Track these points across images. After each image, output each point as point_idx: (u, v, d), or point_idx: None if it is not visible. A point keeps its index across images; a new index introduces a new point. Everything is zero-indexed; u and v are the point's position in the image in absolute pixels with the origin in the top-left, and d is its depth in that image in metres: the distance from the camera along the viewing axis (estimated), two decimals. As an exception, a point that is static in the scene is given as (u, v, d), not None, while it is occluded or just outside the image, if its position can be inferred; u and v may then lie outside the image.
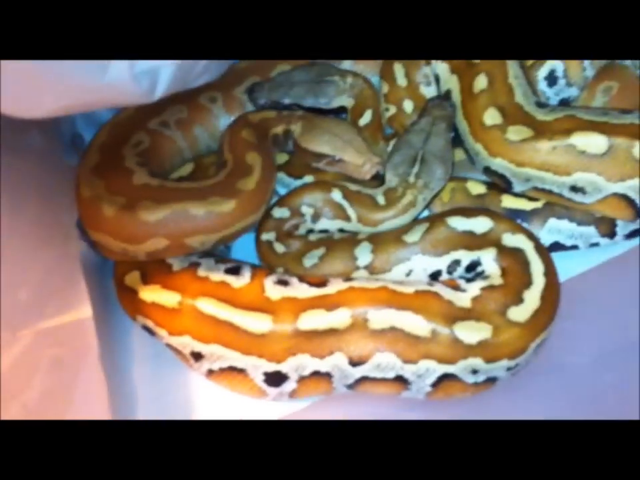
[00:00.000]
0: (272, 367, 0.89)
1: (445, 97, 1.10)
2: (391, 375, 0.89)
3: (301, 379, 0.90)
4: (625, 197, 0.96)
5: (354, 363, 0.89)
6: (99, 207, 0.93)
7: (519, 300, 0.91)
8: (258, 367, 0.89)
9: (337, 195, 1.03)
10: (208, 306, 0.91)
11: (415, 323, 0.88)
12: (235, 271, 0.95)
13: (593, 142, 0.94)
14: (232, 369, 0.91)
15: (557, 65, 1.08)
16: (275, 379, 0.90)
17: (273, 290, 0.92)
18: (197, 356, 0.92)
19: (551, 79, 1.10)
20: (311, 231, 1.05)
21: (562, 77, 1.09)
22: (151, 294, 0.94)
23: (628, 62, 1.10)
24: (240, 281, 0.93)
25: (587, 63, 1.09)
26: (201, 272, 0.95)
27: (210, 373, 0.93)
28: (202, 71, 0.97)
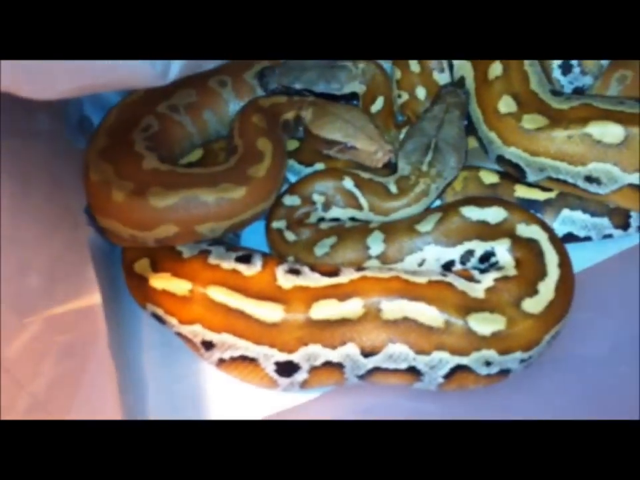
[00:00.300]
0: (283, 357, 0.88)
1: (459, 84, 1.08)
2: (404, 365, 0.88)
3: (313, 369, 0.89)
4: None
5: (366, 354, 0.88)
6: (107, 192, 0.91)
7: (533, 291, 0.90)
8: (269, 357, 0.89)
9: (348, 183, 1.01)
10: (219, 294, 0.90)
11: (429, 314, 0.87)
12: (246, 259, 0.94)
13: (610, 131, 0.93)
14: (243, 359, 0.90)
15: (573, 52, 1.07)
16: (287, 368, 0.89)
17: (284, 279, 0.91)
18: (208, 345, 0.91)
19: (566, 67, 1.08)
20: (322, 220, 1.03)
21: (577, 65, 1.08)
22: (161, 281, 0.93)
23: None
24: (251, 270, 0.92)
25: (602, 50, 1.07)
26: (212, 260, 0.94)
27: (221, 362, 0.92)
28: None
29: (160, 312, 0.93)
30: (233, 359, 0.91)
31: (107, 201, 0.91)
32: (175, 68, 0.83)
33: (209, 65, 0.97)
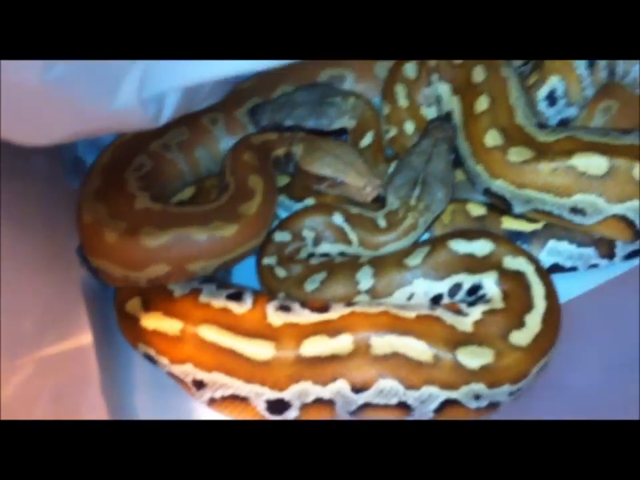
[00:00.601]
0: (274, 395, 0.89)
1: (446, 118, 1.10)
2: (394, 401, 0.89)
3: (304, 406, 0.90)
4: (624, 218, 0.96)
5: (357, 390, 0.89)
6: (100, 232, 0.92)
7: (520, 324, 0.91)
8: (260, 395, 0.89)
9: (338, 218, 1.03)
10: (210, 333, 0.90)
11: (418, 348, 0.88)
12: (236, 296, 0.95)
13: (594, 163, 0.94)
14: (234, 397, 0.91)
15: (557, 84, 1.08)
16: (278, 406, 0.90)
17: (274, 316, 0.92)
18: (199, 384, 0.92)
19: (551, 99, 1.09)
20: (312, 255, 1.05)
21: (562, 96, 1.09)
22: (152, 321, 0.93)
23: (629, 80, 1.11)
24: (242, 307, 0.93)
25: (586, 82, 1.08)
26: (203, 298, 0.94)
27: (212, 401, 0.93)
28: (207, 94, 0.97)
29: (151, 352, 0.94)
30: (224, 398, 0.91)
31: (99, 242, 0.92)
32: (168, 110, 0.85)
33: (202, 104, 0.98)
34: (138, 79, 0.76)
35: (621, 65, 1.09)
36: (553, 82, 1.08)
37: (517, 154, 0.98)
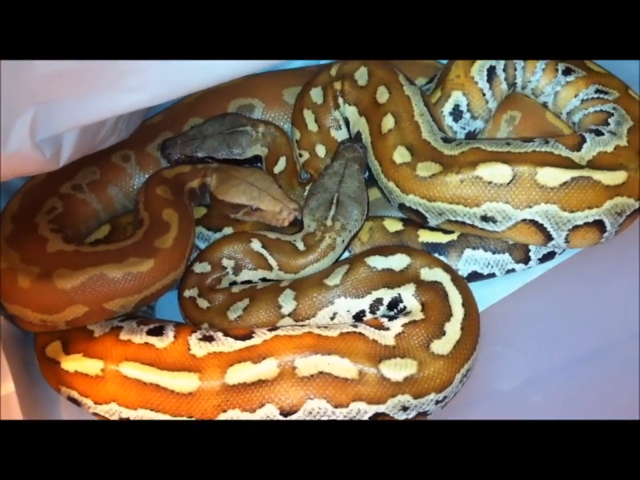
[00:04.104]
0: None
1: (356, 139, 1.12)
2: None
3: (233, 435, 0.90)
4: (534, 222, 1.00)
5: (285, 413, 0.89)
6: (14, 278, 0.91)
7: (440, 333, 0.93)
8: None
9: (256, 245, 1.03)
10: (132, 370, 0.90)
11: (342, 366, 0.89)
12: (157, 331, 0.94)
13: (498, 172, 0.98)
14: (162, 432, 0.90)
15: (460, 99, 1.12)
16: (207, 437, 0.89)
17: (197, 347, 0.91)
18: None
19: (456, 114, 1.13)
20: (233, 283, 1.05)
21: (466, 110, 1.13)
22: (72, 363, 0.92)
23: (528, 91, 1.15)
24: (164, 341, 0.92)
25: (488, 95, 1.12)
26: (123, 336, 0.93)
27: (139, 438, 0.92)
28: (110, 132, 0.98)
29: (74, 394, 0.93)
30: (151, 434, 0.90)
31: (13, 288, 0.91)
32: (67, 150, 0.85)
33: (106, 142, 0.98)
34: (29, 122, 0.76)
35: (520, 77, 1.13)
36: (456, 97, 1.12)
37: (425, 169, 1.01)
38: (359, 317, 0.98)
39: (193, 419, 0.88)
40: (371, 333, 0.93)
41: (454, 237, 1.08)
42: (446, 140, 1.05)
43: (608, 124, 1.04)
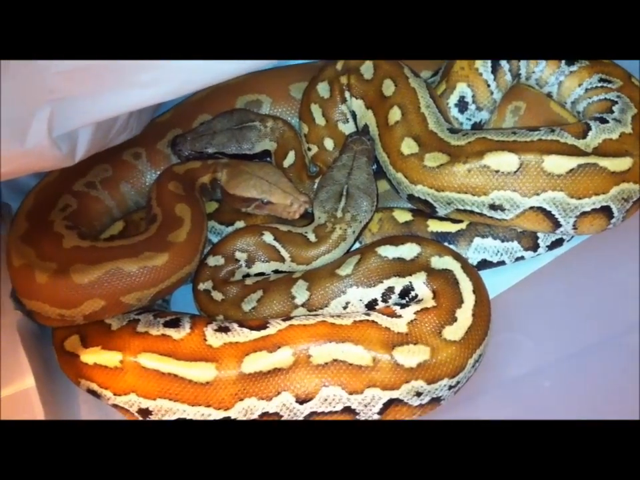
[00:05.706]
0: (220, 415, 0.90)
1: (363, 131, 1.14)
2: (339, 407, 0.91)
3: (251, 423, 0.91)
4: (541, 210, 1.01)
5: (301, 400, 0.91)
6: (31, 275, 0.92)
7: (452, 319, 0.94)
8: (207, 416, 0.90)
9: (268, 237, 1.05)
10: (150, 361, 0.91)
11: (356, 353, 0.90)
12: (174, 323, 0.96)
13: (504, 160, 0.99)
14: (180, 421, 0.91)
15: (465, 91, 1.13)
16: (225, 425, 0.91)
17: (213, 338, 0.93)
18: (145, 412, 0.92)
19: (462, 105, 1.14)
20: (247, 276, 1.07)
21: (471, 102, 1.14)
22: (91, 356, 0.93)
23: (532, 82, 1.16)
24: (180, 333, 0.94)
25: (493, 86, 1.13)
26: (141, 328, 0.95)
27: (159, 427, 0.93)
28: (122, 128, 0.99)
29: (94, 386, 0.94)
30: (171, 423, 0.92)
31: (31, 284, 0.93)
32: (82, 146, 0.87)
33: (118, 138, 1.00)
34: (46, 118, 0.78)
35: (524, 68, 1.15)
36: (461, 89, 1.13)
37: (432, 159, 1.02)
38: (371, 305, 1.00)
39: (211, 408, 0.90)
40: (383, 320, 0.94)
41: (463, 226, 1.09)
42: (452, 131, 1.06)
43: (612, 112, 1.05)
